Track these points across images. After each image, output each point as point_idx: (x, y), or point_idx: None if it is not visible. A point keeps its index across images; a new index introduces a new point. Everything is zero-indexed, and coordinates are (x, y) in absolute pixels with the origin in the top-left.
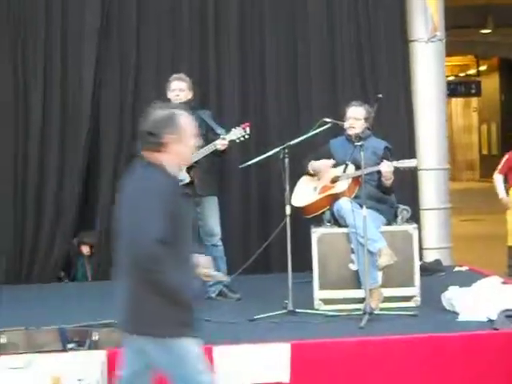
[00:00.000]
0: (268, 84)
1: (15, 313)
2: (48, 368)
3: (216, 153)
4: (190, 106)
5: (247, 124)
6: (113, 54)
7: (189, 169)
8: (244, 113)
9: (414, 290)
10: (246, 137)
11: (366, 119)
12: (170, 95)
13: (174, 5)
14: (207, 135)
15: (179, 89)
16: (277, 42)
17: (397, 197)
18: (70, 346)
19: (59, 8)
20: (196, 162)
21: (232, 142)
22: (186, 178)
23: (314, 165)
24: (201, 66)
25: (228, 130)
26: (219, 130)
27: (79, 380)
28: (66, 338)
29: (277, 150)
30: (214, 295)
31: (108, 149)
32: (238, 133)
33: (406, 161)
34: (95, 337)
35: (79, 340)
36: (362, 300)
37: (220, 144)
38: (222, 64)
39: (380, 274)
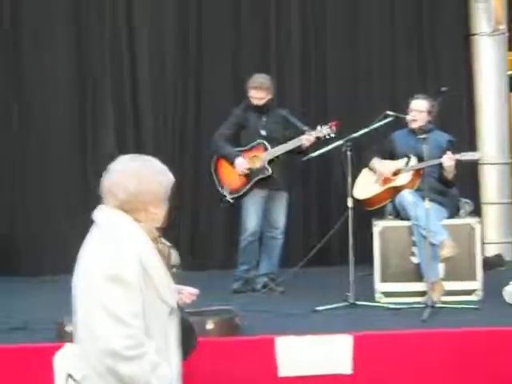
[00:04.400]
0: (328, 78)
1: None
2: None
3: (296, 150)
4: (270, 106)
5: (335, 123)
6: None
7: (270, 162)
8: (305, 105)
9: (476, 284)
10: (332, 135)
11: (428, 112)
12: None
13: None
14: (286, 133)
15: (259, 98)
16: (337, 35)
17: (458, 190)
18: None
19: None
20: (277, 157)
21: (318, 139)
22: (268, 170)
23: (374, 165)
24: (262, 58)
25: (313, 128)
26: (305, 127)
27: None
28: None
29: (340, 142)
30: (259, 287)
31: None
32: (324, 131)
33: (469, 153)
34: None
35: None
36: (423, 293)
37: (306, 140)
38: (283, 58)
39: (441, 267)
